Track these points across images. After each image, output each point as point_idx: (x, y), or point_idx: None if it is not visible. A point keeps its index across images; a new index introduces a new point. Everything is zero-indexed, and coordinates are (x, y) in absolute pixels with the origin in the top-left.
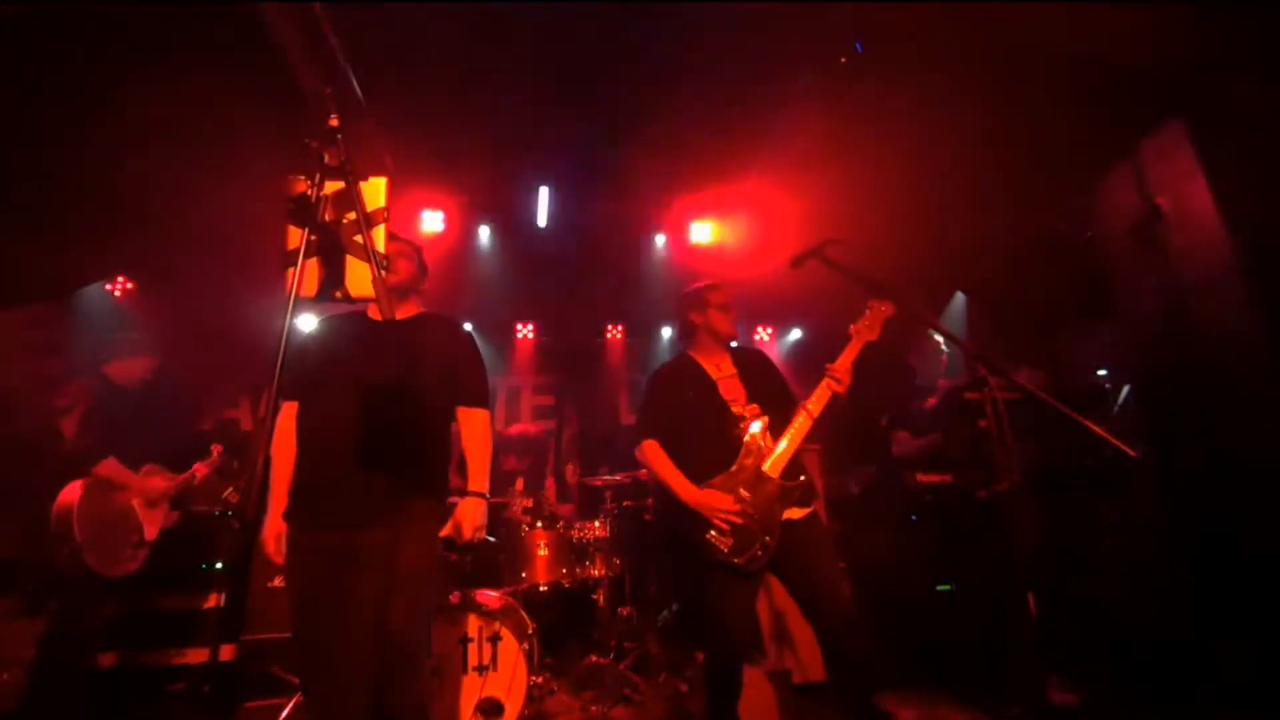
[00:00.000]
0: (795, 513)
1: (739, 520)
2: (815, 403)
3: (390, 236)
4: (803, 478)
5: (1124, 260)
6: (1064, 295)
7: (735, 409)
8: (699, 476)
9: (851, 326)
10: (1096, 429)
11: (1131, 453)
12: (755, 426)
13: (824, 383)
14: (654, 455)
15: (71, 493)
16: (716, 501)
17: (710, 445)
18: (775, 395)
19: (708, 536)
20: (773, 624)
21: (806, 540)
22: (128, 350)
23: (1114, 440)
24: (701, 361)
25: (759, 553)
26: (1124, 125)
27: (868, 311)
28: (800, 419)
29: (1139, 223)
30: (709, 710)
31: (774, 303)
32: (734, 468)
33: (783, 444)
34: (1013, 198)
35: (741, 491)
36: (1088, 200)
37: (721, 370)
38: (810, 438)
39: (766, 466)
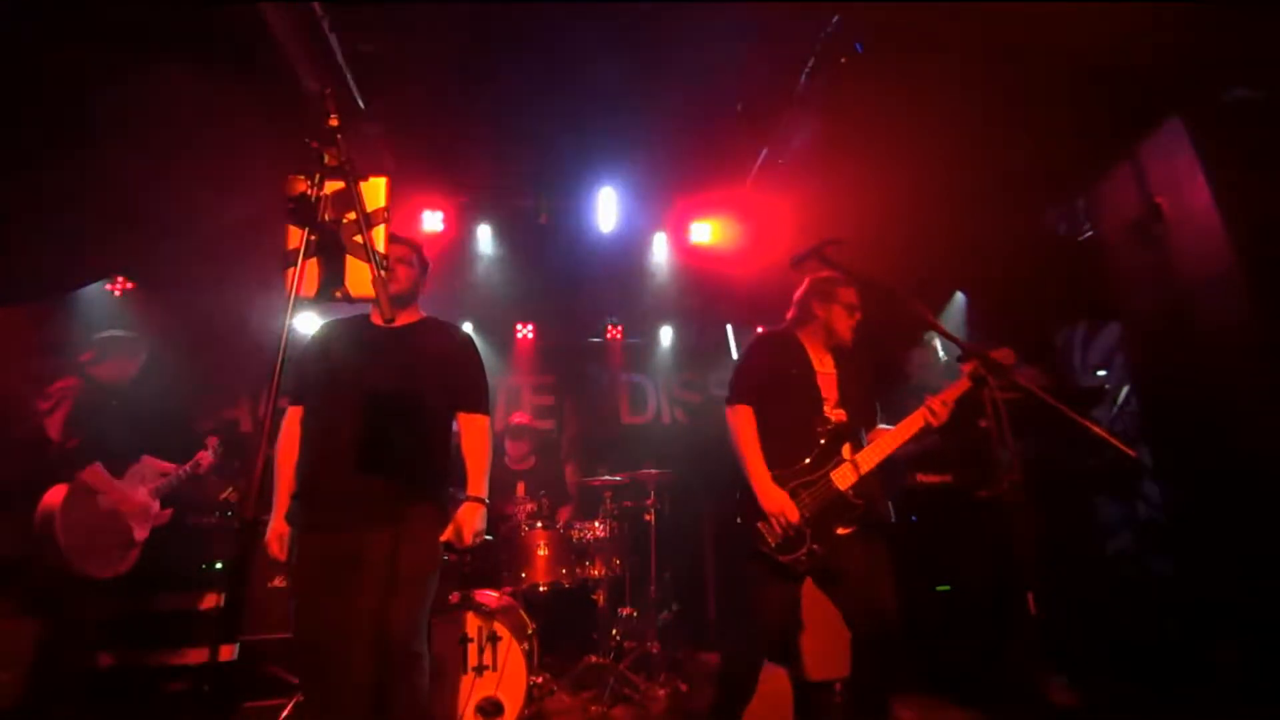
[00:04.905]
0: (846, 529)
1: (792, 531)
2: (904, 428)
3: (391, 238)
4: (863, 501)
5: (1124, 260)
6: (1064, 295)
7: (825, 408)
8: (770, 458)
9: (965, 366)
10: (1096, 429)
11: (1131, 453)
12: (838, 432)
13: (920, 411)
14: (744, 424)
15: (54, 496)
16: (782, 508)
17: (792, 432)
18: (865, 407)
19: (759, 525)
20: None
21: (851, 551)
22: (114, 349)
23: (1114, 440)
24: (808, 348)
25: (804, 557)
26: (1124, 125)
27: (988, 355)
28: (883, 440)
29: (1139, 223)
30: (713, 708)
31: (774, 302)
32: (804, 465)
33: (859, 458)
34: (1013, 197)
35: (803, 494)
36: (1088, 200)
37: (823, 365)
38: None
39: (836, 476)
